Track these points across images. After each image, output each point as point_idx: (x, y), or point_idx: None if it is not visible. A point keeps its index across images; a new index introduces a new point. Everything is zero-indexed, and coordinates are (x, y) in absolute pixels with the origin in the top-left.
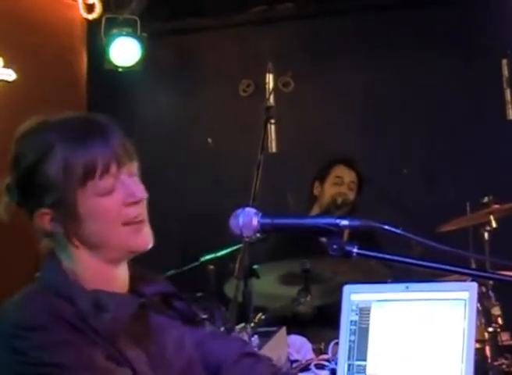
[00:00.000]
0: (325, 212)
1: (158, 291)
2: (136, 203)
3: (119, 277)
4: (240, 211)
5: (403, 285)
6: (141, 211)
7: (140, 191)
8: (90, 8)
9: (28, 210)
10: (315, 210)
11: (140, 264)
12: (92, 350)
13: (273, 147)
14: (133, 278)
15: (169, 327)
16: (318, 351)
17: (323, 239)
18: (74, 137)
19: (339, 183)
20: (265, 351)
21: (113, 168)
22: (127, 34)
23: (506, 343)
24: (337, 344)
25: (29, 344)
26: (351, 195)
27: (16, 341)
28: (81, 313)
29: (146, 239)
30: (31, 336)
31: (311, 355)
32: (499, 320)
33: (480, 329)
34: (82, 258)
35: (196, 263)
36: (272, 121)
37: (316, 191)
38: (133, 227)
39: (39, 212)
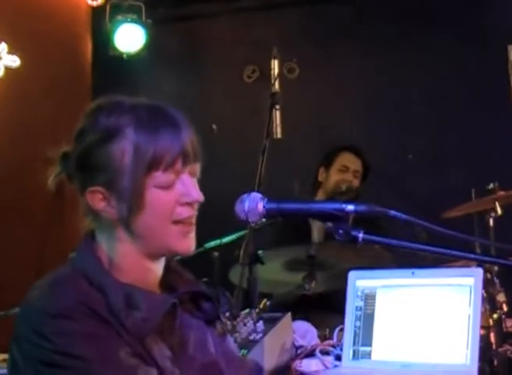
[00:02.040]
0: (330, 199)
1: (190, 289)
2: (190, 204)
3: (155, 271)
4: (245, 196)
5: (408, 271)
6: (193, 213)
7: (198, 193)
8: None
9: (80, 185)
10: (319, 196)
11: None
12: (119, 345)
13: (278, 132)
14: (167, 271)
15: (193, 325)
16: (323, 338)
17: (329, 224)
18: (147, 125)
19: (345, 170)
20: (270, 336)
21: (178, 164)
22: (132, 21)
23: (510, 329)
24: (342, 330)
25: (56, 331)
26: (356, 182)
27: (43, 327)
28: (111, 307)
29: (190, 244)
30: (59, 324)
31: (316, 340)
32: (504, 307)
33: (485, 315)
34: (122, 246)
35: (201, 249)
36: (277, 107)
37: (321, 177)
38: (182, 229)
39: (92, 188)
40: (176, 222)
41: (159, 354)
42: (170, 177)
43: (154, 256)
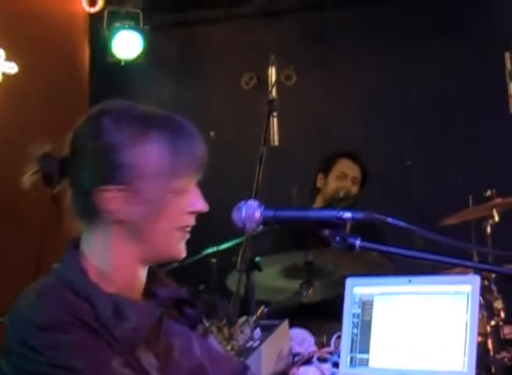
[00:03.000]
0: (328, 205)
1: (173, 296)
2: (194, 213)
3: (141, 278)
4: (242, 203)
5: (405, 278)
6: (194, 222)
7: (204, 204)
8: (92, 1)
9: (84, 184)
10: (318, 202)
11: None
12: (110, 356)
13: (275, 140)
14: (149, 277)
15: (177, 331)
16: (321, 344)
17: (326, 231)
18: (170, 131)
19: (343, 177)
20: (268, 344)
21: (193, 172)
22: (130, 27)
23: (508, 336)
24: (340, 337)
25: (46, 343)
26: (354, 189)
27: (33, 340)
28: (100, 317)
29: (183, 250)
30: (49, 336)
31: (313, 347)
32: (502, 314)
33: (482, 322)
34: (119, 250)
35: (198, 256)
36: (275, 114)
37: (319, 183)
38: (182, 235)
39: (106, 187)
40: (180, 228)
41: (147, 363)
42: (184, 184)
43: (148, 261)
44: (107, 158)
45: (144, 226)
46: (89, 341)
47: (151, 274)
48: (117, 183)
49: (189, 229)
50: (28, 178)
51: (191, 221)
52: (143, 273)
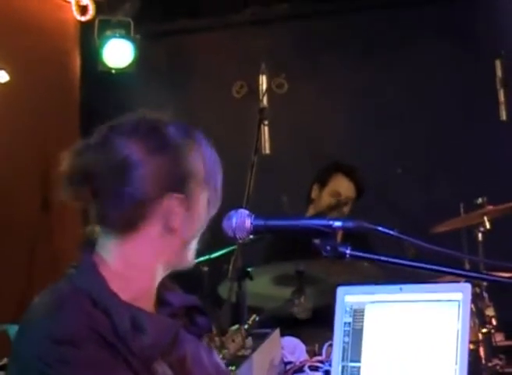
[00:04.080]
0: (320, 214)
1: (185, 303)
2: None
3: (155, 287)
4: (233, 212)
5: (396, 287)
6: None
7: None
8: (83, 9)
9: (139, 194)
10: (310, 212)
11: None
12: (125, 372)
13: (267, 148)
14: (159, 286)
15: (188, 340)
16: (312, 353)
17: (317, 240)
18: (206, 143)
19: (337, 195)
20: (259, 353)
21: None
22: (120, 36)
23: (500, 344)
24: (331, 345)
25: (60, 359)
26: (346, 209)
27: (48, 354)
28: (117, 330)
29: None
30: (64, 351)
31: (304, 356)
32: (493, 321)
33: (474, 330)
34: (147, 261)
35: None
36: (266, 122)
37: (314, 195)
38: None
39: (175, 195)
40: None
41: None
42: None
43: (165, 269)
44: (173, 170)
45: (188, 233)
46: (104, 359)
47: (160, 283)
48: (181, 192)
49: None
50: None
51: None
52: (158, 281)
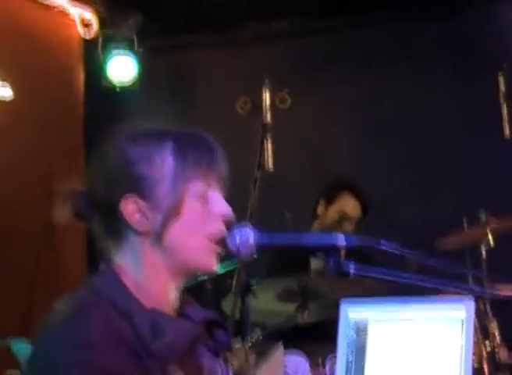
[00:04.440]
0: (325, 230)
1: (206, 317)
2: (220, 218)
3: (174, 298)
4: (236, 229)
5: (400, 302)
6: (224, 230)
7: (228, 208)
8: (87, 26)
9: (110, 201)
10: (315, 227)
11: None
12: None
13: (270, 164)
14: (179, 301)
15: (205, 353)
16: (316, 366)
17: (321, 257)
18: (188, 136)
19: (342, 215)
20: (263, 369)
21: (214, 177)
22: (124, 52)
23: (503, 359)
24: (335, 357)
25: (78, 361)
26: (351, 227)
27: (63, 357)
28: (138, 333)
29: (216, 264)
30: (82, 354)
31: (308, 372)
32: (497, 337)
33: (478, 345)
34: (150, 263)
35: (187, 282)
36: (269, 138)
37: (319, 210)
38: (213, 247)
39: (126, 199)
40: (209, 237)
41: None
42: (202, 188)
43: (178, 275)
44: (125, 172)
45: (167, 233)
46: (127, 367)
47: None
48: (136, 194)
49: (219, 240)
50: (62, 217)
51: (220, 227)
52: (177, 291)
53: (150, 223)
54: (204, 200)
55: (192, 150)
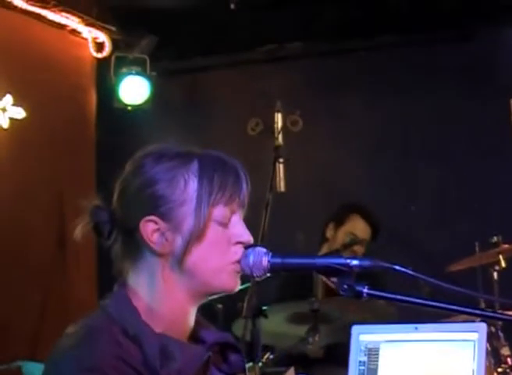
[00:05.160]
0: (335, 252)
1: (219, 339)
2: (240, 244)
3: (190, 318)
4: (250, 250)
5: (412, 326)
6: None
7: (249, 235)
8: (99, 46)
9: (129, 221)
10: (324, 251)
11: None
12: None
13: (282, 186)
14: (194, 323)
15: None
16: None
17: (334, 279)
18: (206, 161)
19: (352, 237)
20: None
21: (237, 202)
22: (137, 73)
23: None
24: None
25: None
26: (360, 250)
27: None
28: (147, 359)
29: (237, 283)
30: None
31: None
32: (509, 360)
33: (489, 369)
34: (165, 285)
35: (204, 301)
36: (281, 160)
37: (329, 234)
38: (236, 268)
39: (147, 218)
40: (229, 261)
41: None
42: (225, 214)
43: (197, 296)
44: (147, 192)
45: (188, 257)
46: None
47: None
48: (158, 215)
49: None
50: (80, 230)
51: (239, 253)
52: (192, 312)
53: (169, 244)
54: (226, 225)
55: (218, 174)
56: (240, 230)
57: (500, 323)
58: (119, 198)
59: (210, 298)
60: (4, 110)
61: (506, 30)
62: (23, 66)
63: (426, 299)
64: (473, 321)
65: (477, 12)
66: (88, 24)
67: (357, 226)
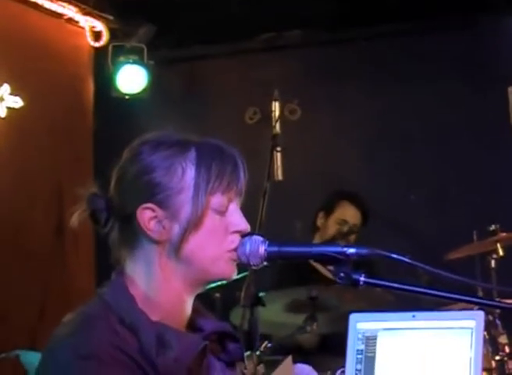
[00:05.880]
0: (331, 240)
1: (217, 328)
2: (238, 233)
3: (187, 307)
4: (246, 239)
5: (409, 314)
6: (237, 244)
7: (246, 224)
8: (97, 35)
9: (126, 208)
10: (316, 240)
11: None
12: None
13: (279, 174)
14: (192, 311)
15: (216, 367)
16: None
17: (330, 267)
18: (204, 149)
19: (343, 224)
20: None
21: (234, 191)
22: (134, 62)
23: None
24: (343, 372)
25: (80, 372)
26: (352, 238)
27: (71, 369)
28: (143, 347)
29: (234, 271)
30: (87, 366)
31: None
32: (506, 349)
33: (487, 357)
34: (163, 273)
35: (201, 290)
36: (278, 149)
37: (319, 223)
38: (229, 256)
39: (144, 205)
40: (226, 249)
41: None
42: (223, 203)
43: (194, 285)
44: (144, 179)
45: (184, 245)
46: None
47: (193, 308)
48: (155, 202)
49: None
50: (76, 217)
51: (236, 241)
52: (189, 301)
53: (166, 232)
54: (223, 213)
55: (215, 162)
56: (237, 218)
57: (498, 311)
58: (116, 185)
59: (207, 286)
60: (1, 99)
61: (507, 19)
62: (20, 55)
63: (424, 287)
64: (471, 309)
65: (477, 1)
66: (85, 13)
67: (347, 213)
